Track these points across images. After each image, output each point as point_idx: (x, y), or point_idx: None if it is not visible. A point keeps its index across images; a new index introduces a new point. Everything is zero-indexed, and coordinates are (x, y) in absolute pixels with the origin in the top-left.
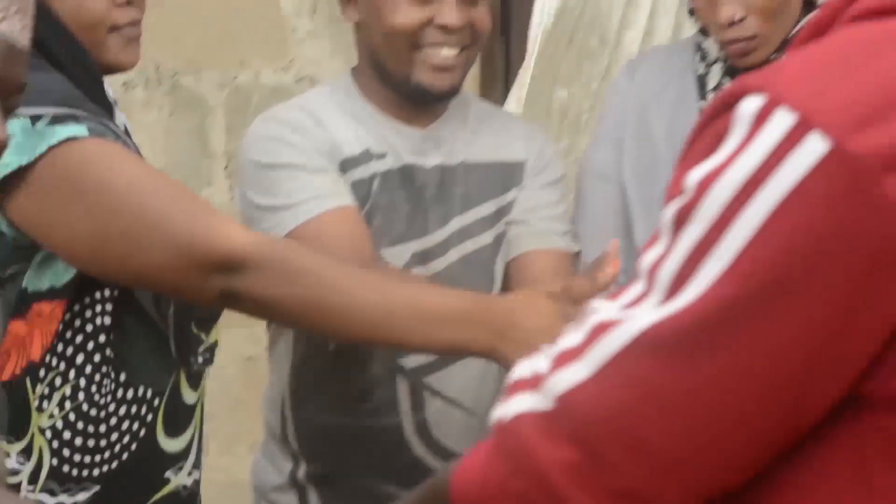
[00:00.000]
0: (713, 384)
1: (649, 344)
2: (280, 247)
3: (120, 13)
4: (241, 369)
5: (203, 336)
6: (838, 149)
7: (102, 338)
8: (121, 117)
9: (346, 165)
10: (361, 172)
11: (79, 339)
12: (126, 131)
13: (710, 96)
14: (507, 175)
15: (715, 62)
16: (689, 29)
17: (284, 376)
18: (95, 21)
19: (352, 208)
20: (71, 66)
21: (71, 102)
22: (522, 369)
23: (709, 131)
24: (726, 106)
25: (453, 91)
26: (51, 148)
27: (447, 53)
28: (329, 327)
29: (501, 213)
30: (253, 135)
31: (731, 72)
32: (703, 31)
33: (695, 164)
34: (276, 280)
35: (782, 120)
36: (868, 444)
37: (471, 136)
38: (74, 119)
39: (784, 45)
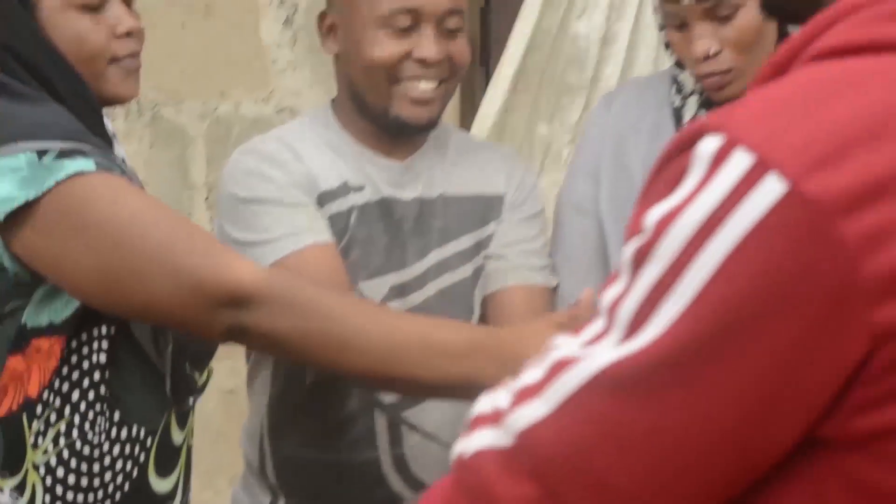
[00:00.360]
0: (672, 424)
1: (609, 382)
2: (289, 281)
3: (119, 45)
4: (222, 402)
5: (197, 375)
6: (795, 190)
7: (98, 375)
8: (120, 150)
9: (323, 199)
10: (339, 205)
11: (75, 375)
12: (125, 162)
13: None
14: (486, 208)
15: (691, 94)
16: (669, 60)
17: (262, 410)
18: (95, 53)
19: (329, 245)
20: (72, 98)
21: (76, 136)
22: (484, 404)
23: (667, 170)
24: (685, 145)
25: (431, 124)
26: (58, 183)
27: (425, 87)
28: (339, 362)
29: (480, 246)
30: (231, 168)
31: (707, 104)
32: (679, 64)
33: (654, 203)
34: (285, 315)
35: (740, 161)
36: (827, 486)
37: (450, 168)
38: (82, 153)
39: None
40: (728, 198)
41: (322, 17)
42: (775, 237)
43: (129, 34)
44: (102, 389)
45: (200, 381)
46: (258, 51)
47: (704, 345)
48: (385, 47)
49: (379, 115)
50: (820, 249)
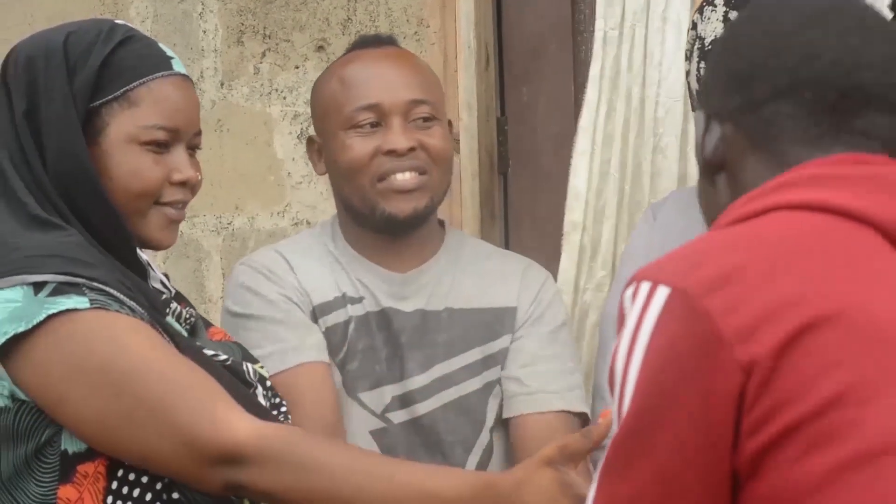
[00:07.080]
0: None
1: (607, 466)
2: (285, 438)
3: (171, 191)
4: None
5: None
6: (675, 288)
7: (160, 484)
8: (156, 275)
9: (319, 311)
10: (336, 317)
11: (136, 492)
12: (165, 285)
13: None
14: (495, 320)
15: None
16: None
17: None
18: (146, 192)
19: (318, 364)
20: (107, 232)
21: (77, 270)
22: None
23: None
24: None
25: (417, 216)
26: (50, 316)
27: (402, 177)
28: None
29: (490, 360)
30: (230, 282)
31: None
32: None
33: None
34: (280, 472)
35: (644, 287)
36: None
37: (459, 280)
38: (77, 289)
39: None
40: (642, 309)
41: (310, 141)
42: (667, 319)
43: (183, 184)
44: (175, 495)
45: None
46: (272, 164)
47: (649, 410)
48: (356, 148)
49: (369, 218)
50: (694, 319)
